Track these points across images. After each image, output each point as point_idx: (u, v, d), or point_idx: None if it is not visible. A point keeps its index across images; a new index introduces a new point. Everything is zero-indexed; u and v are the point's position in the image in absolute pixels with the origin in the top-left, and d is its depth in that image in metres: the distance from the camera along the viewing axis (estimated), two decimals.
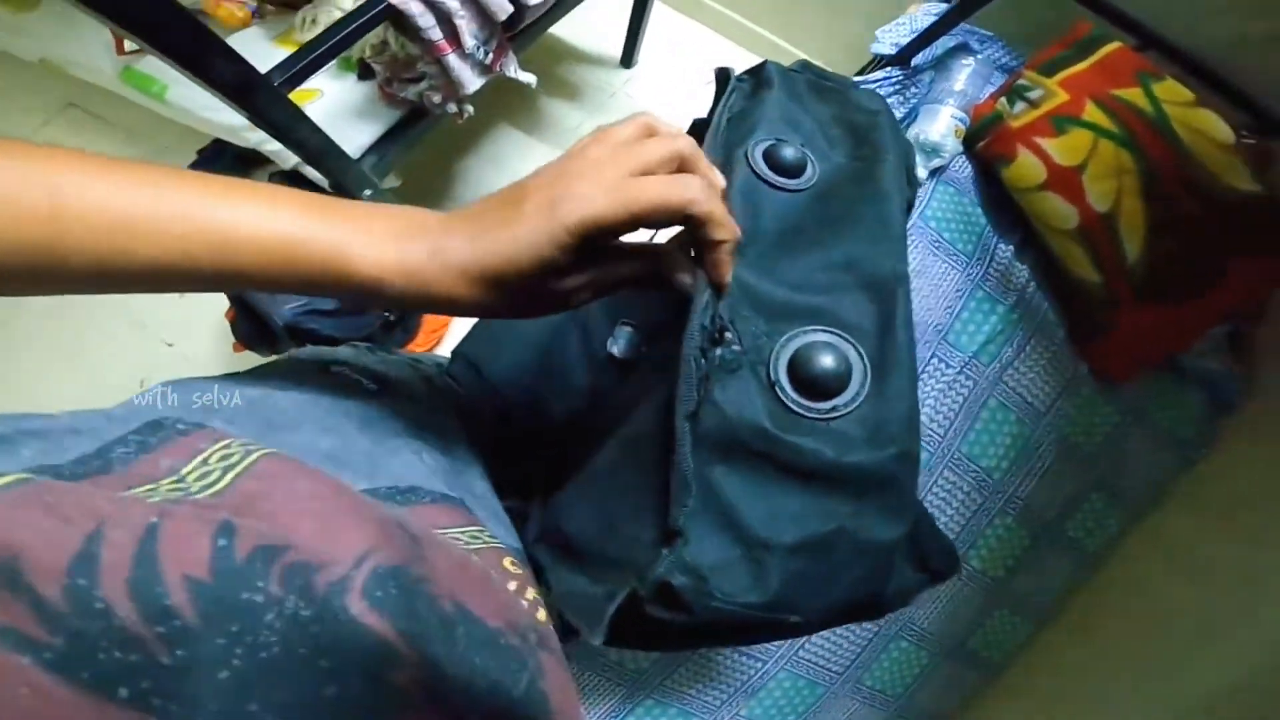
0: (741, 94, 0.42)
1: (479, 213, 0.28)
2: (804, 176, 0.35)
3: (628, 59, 1.64)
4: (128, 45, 1.00)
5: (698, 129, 0.48)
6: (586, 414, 0.47)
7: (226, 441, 0.22)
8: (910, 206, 0.43)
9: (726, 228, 0.28)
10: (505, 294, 0.27)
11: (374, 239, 0.26)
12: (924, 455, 0.95)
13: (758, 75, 0.43)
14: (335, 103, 0.92)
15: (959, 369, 0.93)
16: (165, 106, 0.95)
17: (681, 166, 0.28)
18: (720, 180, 0.30)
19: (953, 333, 0.93)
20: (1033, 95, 0.94)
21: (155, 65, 0.97)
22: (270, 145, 0.89)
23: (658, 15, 1.56)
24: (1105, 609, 1.04)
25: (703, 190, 0.27)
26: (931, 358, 0.93)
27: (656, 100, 1.65)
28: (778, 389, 0.28)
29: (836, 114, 0.42)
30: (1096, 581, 1.06)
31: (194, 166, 1.30)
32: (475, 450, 0.39)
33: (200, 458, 0.21)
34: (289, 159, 0.83)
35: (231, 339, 1.16)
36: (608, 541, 0.32)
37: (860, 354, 0.29)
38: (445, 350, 1.14)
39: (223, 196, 0.25)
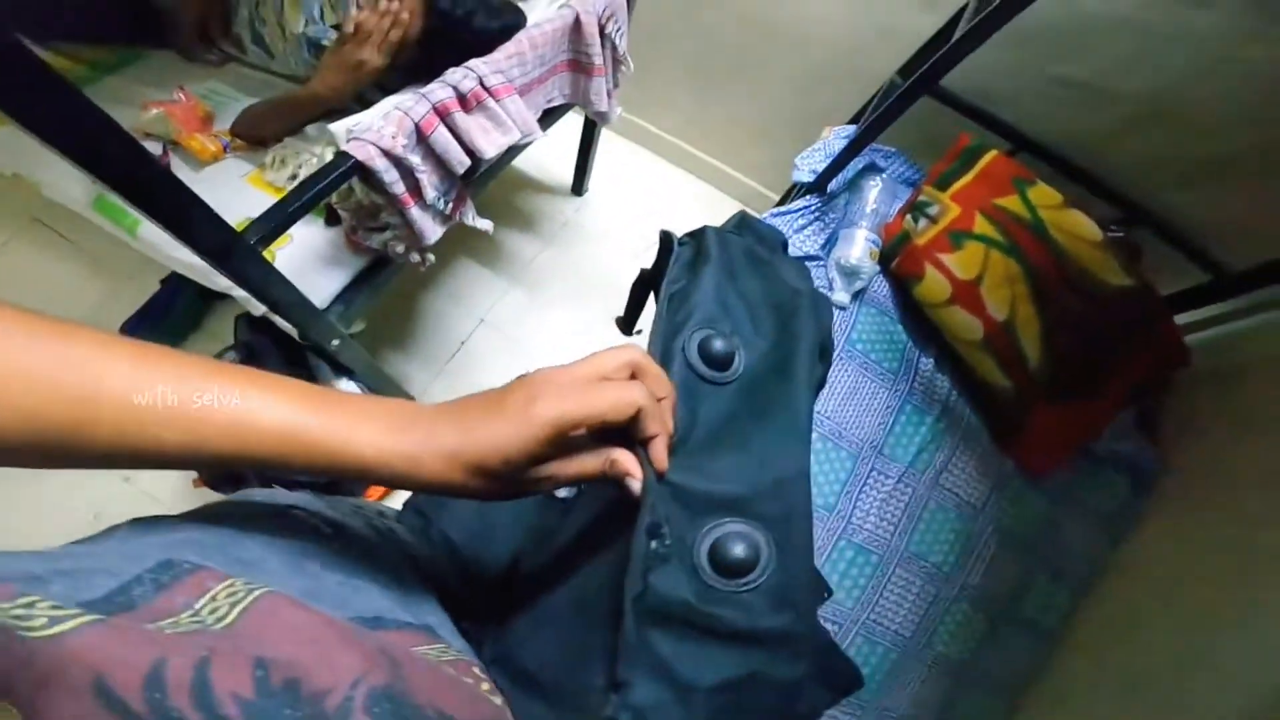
0: (682, 262, 0.50)
1: (466, 408, 0.33)
2: (732, 368, 0.44)
3: (578, 187, 1.76)
4: None
5: (643, 281, 0.60)
6: (532, 551, 0.53)
7: (230, 580, 0.25)
8: (821, 384, 0.53)
9: (664, 426, 0.35)
10: (489, 479, 0.32)
11: (372, 429, 0.30)
12: (874, 557, 1.00)
13: (698, 242, 0.52)
14: (304, 249, 0.96)
15: (897, 478, 1.00)
16: (136, 241, 0.96)
17: (634, 373, 0.34)
18: (668, 387, 0.37)
19: (888, 446, 1.01)
20: (932, 211, 1.06)
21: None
22: (241, 290, 0.95)
23: (605, 143, 1.63)
24: (1074, 681, 1.06)
25: (647, 397, 0.33)
26: (871, 471, 1.00)
27: (607, 227, 1.73)
28: (700, 572, 0.36)
29: (765, 291, 0.50)
30: (1061, 655, 1.09)
31: (157, 296, 1.35)
32: (427, 584, 0.43)
33: (209, 595, 0.24)
34: (259, 306, 0.87)
35: (191, 475, 1.19)
36: (563, 678, 0.38)
37: (767, 539, 0.37)
38: (393, 502, 1.19)
39: (241, 388, 0.29)
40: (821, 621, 0.92)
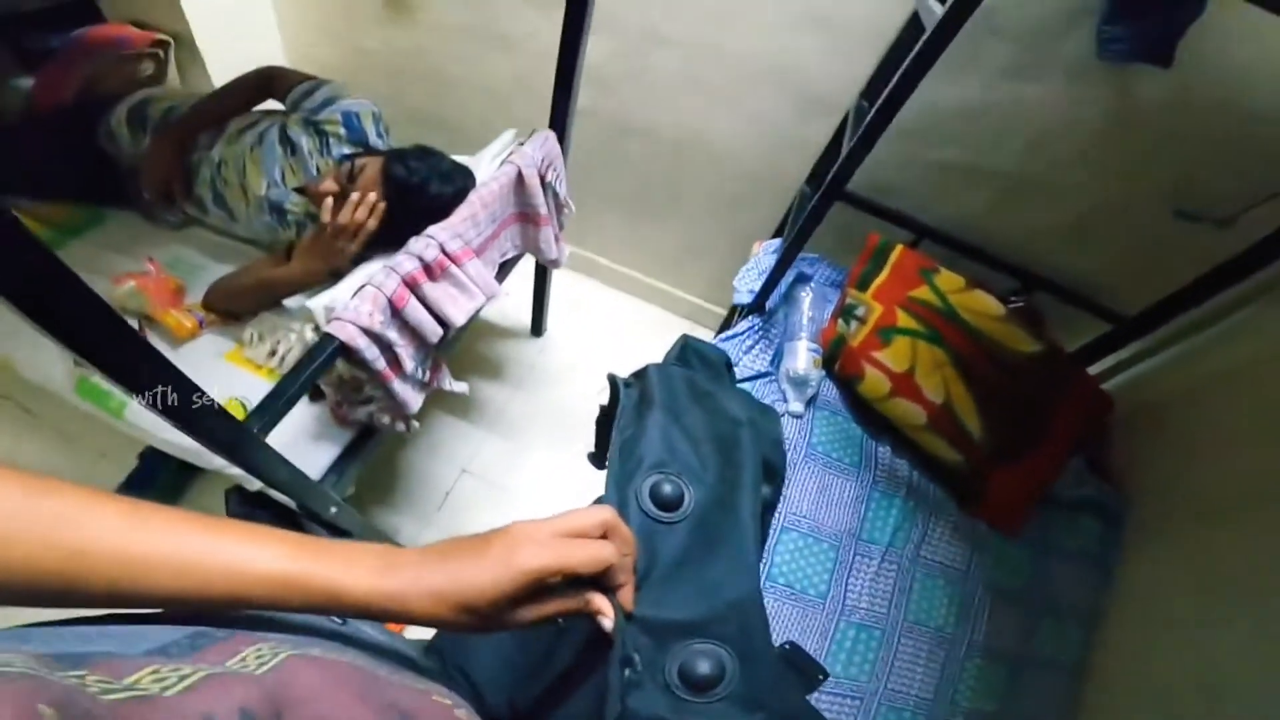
0: (630, 407, 0.57)
1: (451, 552, 0.37)
2: (682, 508, 0.50)
3: (537, 328, 1.86)
4: None
5: (603, 420, 0.67)
6: (529, 678, 0.57)
7: (258, 645, 0.27)
8: (772, 504, 0.62)
9: (629, 577, 0.40)
10: (472, 615, 0.36)
11: (361, 572, 0.34)
12: (877, 632, 1.03)
13: (642, 383, 0.59)
14: (292, 427, 0.99)
15: (880, 559, 1.05)
16: (123, 423, 0.96)
17: (606, 532, 0.39)
18: (633, 543, 0.42)
19: (865, 532, 1.06)
20: (859, 313, 1.17)
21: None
22: (235, 469, 0.95)
23: (557, 277, 1.72)
24: (1113, 705, 1.07)
25: (616, 555, 0.38)
26: (854, 557, 1.05)
27: (571, 363, 1.83)
28: (673, 689, 0.41)
29: (708, 424, 0.57)
30: (1092, 688, 1.11)
31: (137, 471, 1.33)
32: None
33: (239, 657, 0.26)
34: (254, 481, 0.88)
35: None
36: None
37: (729, 654, 0.43)
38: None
39: (234, 540, 0.32)
40: (844, 696, 0.95)
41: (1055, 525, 1.15)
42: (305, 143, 1.11)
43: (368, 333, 0.86)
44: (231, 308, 1.08)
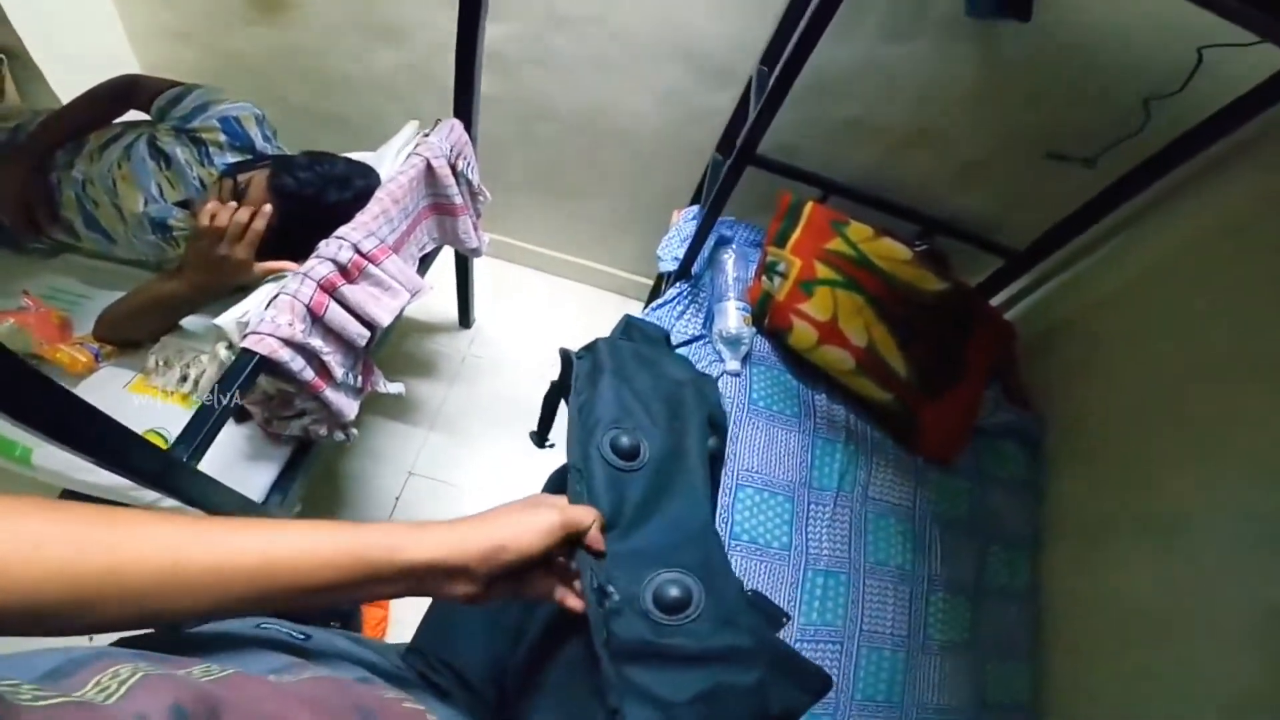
0: (583, 375, 0.63)
1: (488, 517, 0.45)
2: (640, 458, 0.57)
3: (465, 320, 1.83)
4: None
5: (553, 393, 0.74)
6: (509, 650, 0.64)
7: (115, 668, 0.26)
8: (717, 455, 0.68)
9: (596, 540, 0.50)
10: (504, 572, 0.43)
11: (415, 535, 0.41)
12: (842, 576, 1.12)
13: (593, 355, 0.65)
14: (225, 452, 0.95)
15: (833, 504, 1.12)
16: (32, 470, 0.91)
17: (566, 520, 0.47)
18: (592, 513, 0.51)
19: (814, 479, 1.13)
20: (780, 268, 1.24)
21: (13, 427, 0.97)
22: (169, 501, 0.90)
23: (479, 266, 1.69)
24: (1072, 621, 1.22)
25: (587, 520, 0.48)
26: (808, 505, 1.12)
27: (504, 351, 1.85)
28: (649, 615, 0.47)
29: (655, 387, 0.64)
30: (1052, 609, 1.26)
31: None
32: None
33: (94, 683, 0.25)
34: (195, 511, 0.84)
35: None
36: None
37: (694, 579, 0.50)
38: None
39: (296, 531, 0.38)
40: (823, 643, 1.02)
41: (983, 453, 1.27)
42: (180, 153, 1.05)
43: (289, 343, 0.84)
44: (126, 335, 1.03)
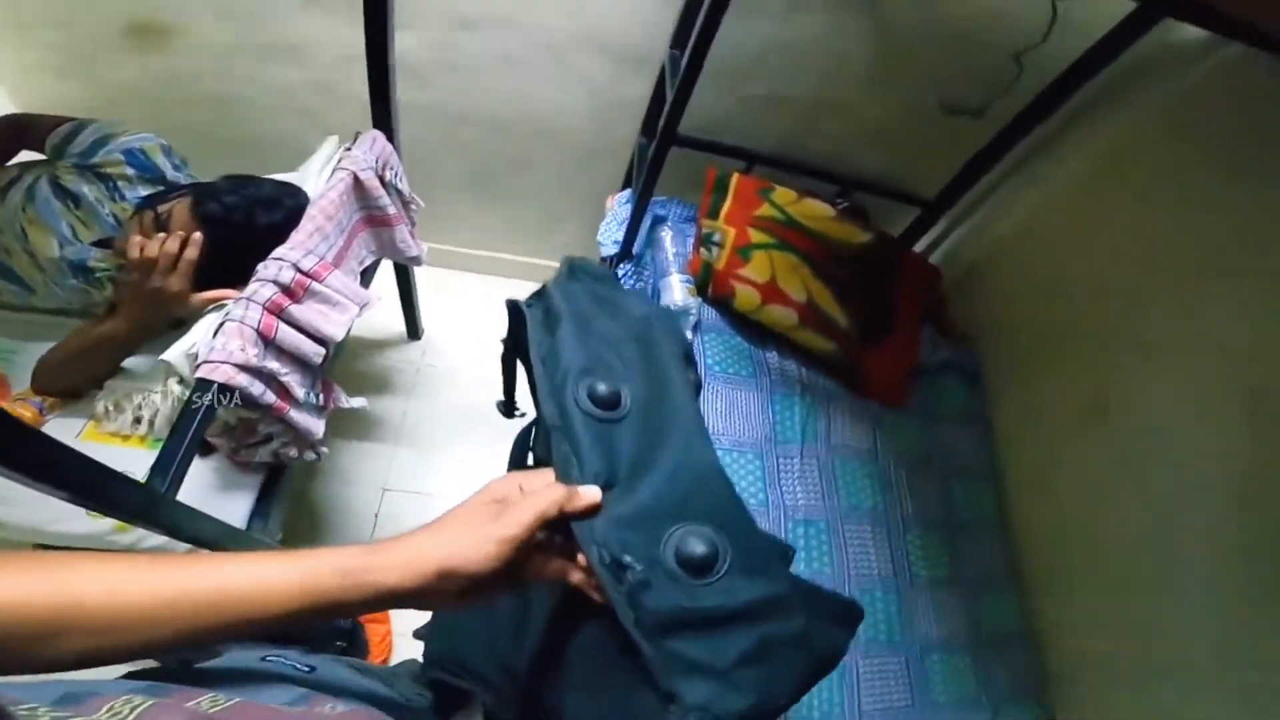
0: (537, 324, 0.57)
1: (431, 532, 0.42)
2: (623, 406, 0.51)
3: (414, 331, 1.82)
4: None
5: (507, 353, 0.68)
6: (511, 643, 0.60)
7: (129, 697, 0.28)
8: (698, 388, 0.65)
9: (580, 500, 0.45)
10: (504, 561, 0.41)
11: (366, 559, 0.39)
12: (822, 523, 1.21)
13: (544, 301, 0.58)
14: (196, 486, 0.92)
15: (800, 456, 1.21)
16: (1, 528, 0.87)
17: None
18: (552, 484, 0.46)
19: (779, 434, 1.22)
20: (716, 239, 1.30)
21: None
22: (151, 540, 0.87)
23: (423, 276, 1.71)
24: (1048, 543, 1.33)
25: (557, 500, 0.43)
26: (777, 460, 1.21)
27: (456, 358, 1.86)
28: (678, 579, 0.43)
29: (619, 327, 0.57)
30: (1022, 530, 1.36)
31: None
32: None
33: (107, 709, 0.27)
34: (180, 546, 0.82)
35: None
36: None
37: (714, 530, 0.45)
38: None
39: (247, 563, 0.37)
40: None
41: (929, 391, 1.40)
42: (89, 191, 1.02)
43: (245, 369, 0.83)
44: (67, 384, 0.99)
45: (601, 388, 0.51)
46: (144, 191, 1.04)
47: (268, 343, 0.89)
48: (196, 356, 0.86)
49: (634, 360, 0.56)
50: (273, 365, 0.88)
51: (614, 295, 0.63)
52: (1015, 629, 1.26)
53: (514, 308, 0.60)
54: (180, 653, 0.37)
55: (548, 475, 0.47)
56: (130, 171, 1.03)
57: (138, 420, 0.96)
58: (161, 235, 0.92)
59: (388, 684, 0.57)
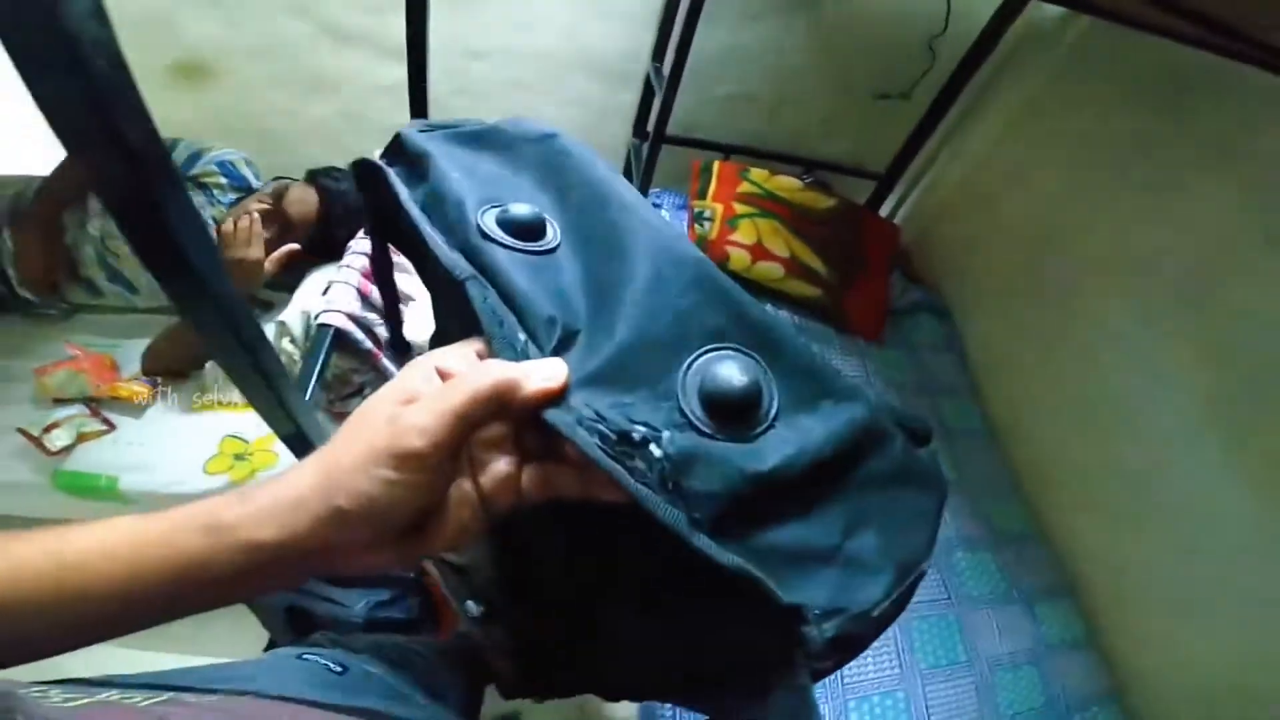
0: (402, 176, 0.41)
1: (320, 459, 0.29)
2: (550, 233, 0.36)
3: None
4: (53, 442, 0.99)
5: (376, 233, 0.52)
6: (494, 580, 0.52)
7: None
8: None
9: (534, 381, 0.29)
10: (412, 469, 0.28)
11: (238, 506, 0.27)
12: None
13: (401, 152, 0.43)
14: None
15: None
16: (118, 499, 0.96)
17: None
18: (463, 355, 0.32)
19: None
20: (707, 215, 1.55)
21: (95, 459, 1.01)
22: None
23: None
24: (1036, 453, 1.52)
25: (487, 386, 0.28)
26: None
27: None
28: (722, 436, 0.29)
29: (509, 158, 0.42)
30: (1010, 444, 1.56)
31: None
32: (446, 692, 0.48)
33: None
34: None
35: None
36: (713, 674, 0.36)
37: (735, 349, 0.32)
38: None
39: (87, 529, 0.27)
40: None
41: (906, 327, 1.66)
42: (192, 197, 1.18)
43: (353, 319, 1.01)
44: (172, 365, 1.16)
45: (517, 211, 0.36)
46: (233, 196, 1.23)
47: (365, 299, 1.08)
48: (309, 314, 1.04)
49: (544, 183, 0.40)
50: (371, 317, 1.07)
51: (488, 132, 0.45)
52: (1025, 530, 1.38)
53: (362, 167, 0.43)
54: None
55: (471, 346, 0.33)
56: (224, 180, 1.22)
57: None
58: (243, 211, 1.10)
59: (425, 678, 0.49)
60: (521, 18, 1.60)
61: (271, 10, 1.58)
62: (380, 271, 0.58)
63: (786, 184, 1.63)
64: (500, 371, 0.28)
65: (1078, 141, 1.46)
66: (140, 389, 1.10)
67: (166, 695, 0.25)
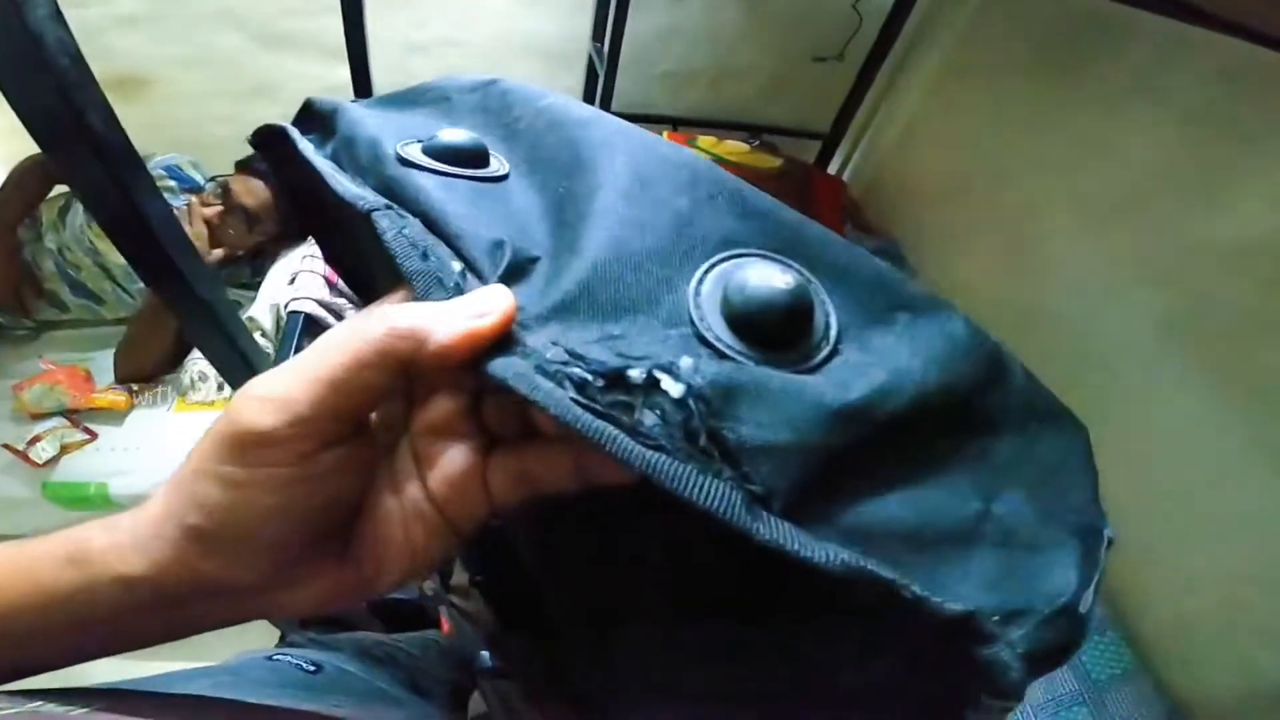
0: (318, 142, 0.33)
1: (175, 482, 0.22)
2: (496, 165, 0.29)
3: None
4: (39, 455, 1.01)
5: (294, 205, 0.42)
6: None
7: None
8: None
9: (459, 320, 0.19)
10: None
11: (108, 530, 0.22)
12: None
13: (310, 116, 0.36)
14: None
15: None
16: (111, 505, 0.99)
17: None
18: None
19: None
20: None
21: (82, 467, 1.04)
22: None
23: None
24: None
25: (368, 349, 0.20)
26: None
27: None
28: (767, 363, 0.20)
29: (445, 108, 0.35)
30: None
31: None
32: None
33: None
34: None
35: None
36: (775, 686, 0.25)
37: (761, 254, 0.23)
38: None
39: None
40: None
41: None
42: None
43: (321, 304, 1.05)
44: (144, 365, 1.17)
45: (449, 136, 0.28)
46: (185, 199, 1.26)
47: (332, 286, 1.12)
48: (278, 306, 1.08)
49: (488, 120, 0.33)
50: (340, 301, 1.11)
51: (414, 90, 0.38)
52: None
53: (266, 137, 0.35)
54: None
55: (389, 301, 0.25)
56: (173, 183, 1.25)
57: (222, 385, 1.15)
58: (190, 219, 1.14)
59: (410, 675, 0.47)
60: (458, 9, 1.64)
61: (200, 23, 1.60)
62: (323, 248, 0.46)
63: (734, 148, 1.72)
64: (396, 317, 0.19)
65: (1003, 90, 1.55)
66: (117, 398, 1.12)
67: (100, 705, 0.21)
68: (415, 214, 0.24)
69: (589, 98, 1.79)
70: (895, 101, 1.84)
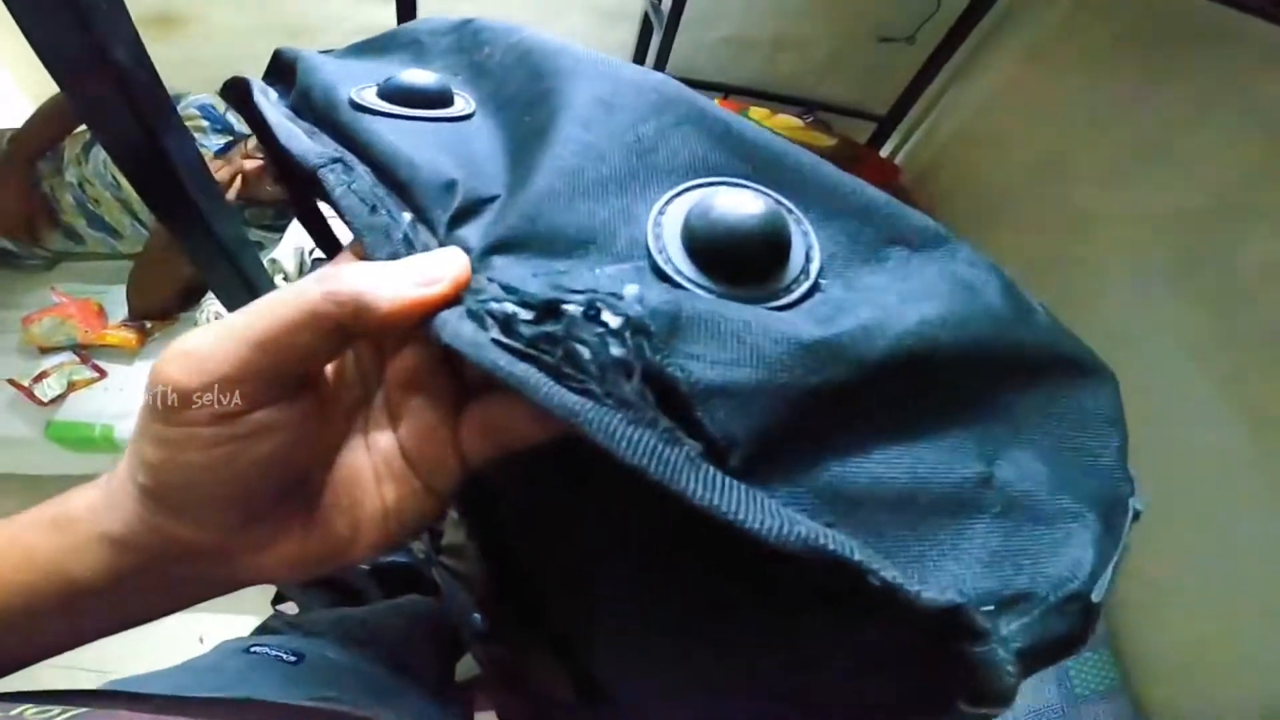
0: (284, 94, 0.31)
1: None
2: (462, 106, 0.27)
3: None
4: (44, 392, 1.00)
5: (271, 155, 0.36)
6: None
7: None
8: None
9: (404, 281, 0.18)
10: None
11: (87, 491, 0.21)
12: None
13: (277, 69, 0.34)
14: None
15: None
16: (115, 449, 0.96)
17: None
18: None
19: None
20: None
21: (88, 407, 1.02)
22: None
23: None
24: None
25: (298, 312, 0.18)
26: None
27: None
28: (733, 294, 0.18)
29: (414, 55, 0.33)
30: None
31: None
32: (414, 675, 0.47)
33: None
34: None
35: None
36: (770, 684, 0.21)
37: (744, 183, 0.21)
38: None
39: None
40: None
41: None
42: None
43: None
44: (156, 300, 1.15)
45: (408, 77, 0.27)
46: (217, 140, 1.23)
47: None
48: (302, 250, 1.06)
49: (458, 68, 0.31)
50: None
51: (385, 35, 0.36)
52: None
53: (234, 92, 0.32)
54: None
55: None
56: (205, 124, 1.23)
57: None
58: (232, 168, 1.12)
59: (392, 654, 0.47)
60: None
61: None
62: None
63: (787, 122, 1.66)
64: (337, 280, 0.18)
65: (1077, 88, 1.46)
66: (129, 335, 1.10)
67: (82, 710, 0.21)
68: (367, 162, 0.24)
69: (639, 58, 1.73)
70: (963, 91, 1.75)
